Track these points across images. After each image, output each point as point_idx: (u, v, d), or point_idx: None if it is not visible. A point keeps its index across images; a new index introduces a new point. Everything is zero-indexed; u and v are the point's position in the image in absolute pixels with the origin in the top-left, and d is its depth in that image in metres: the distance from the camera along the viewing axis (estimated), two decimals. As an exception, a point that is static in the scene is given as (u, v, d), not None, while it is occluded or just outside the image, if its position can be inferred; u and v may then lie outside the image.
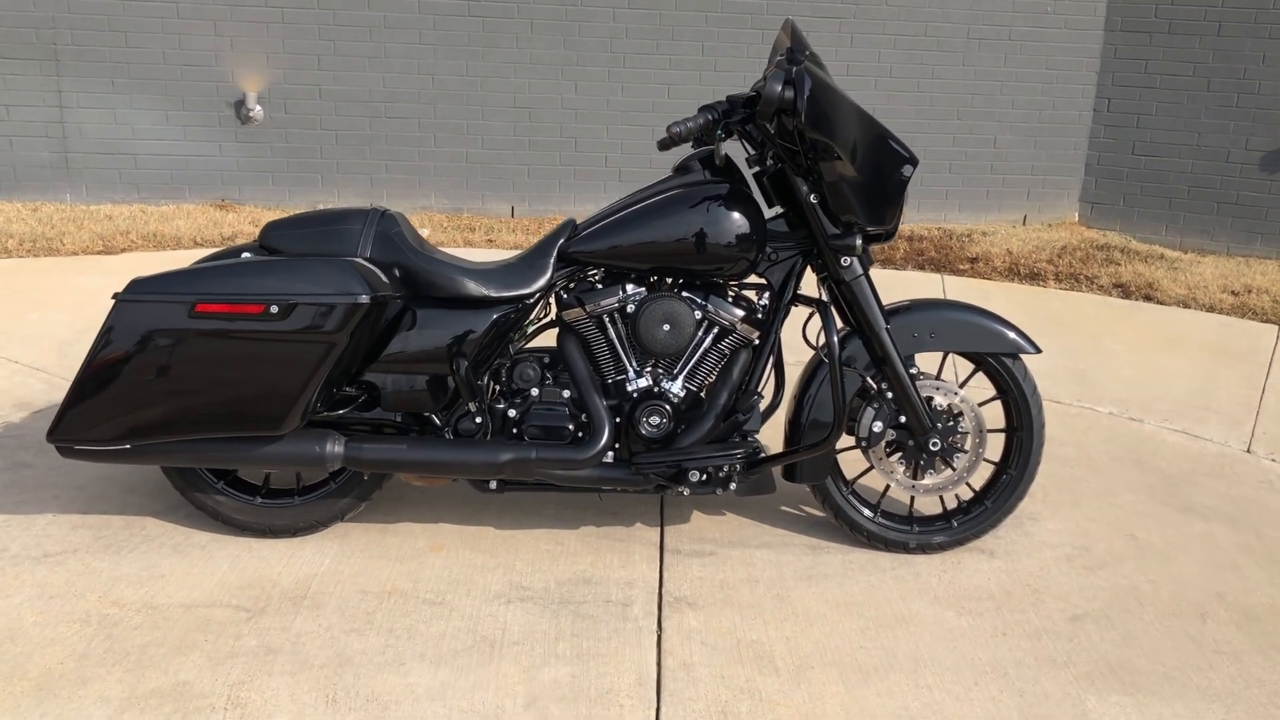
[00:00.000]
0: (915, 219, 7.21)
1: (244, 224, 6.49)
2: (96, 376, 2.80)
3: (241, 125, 6.79)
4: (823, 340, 3.05)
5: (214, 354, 2.80)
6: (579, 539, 3.32)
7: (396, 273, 3.03)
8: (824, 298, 3.18)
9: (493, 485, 3.15)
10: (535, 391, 3.18)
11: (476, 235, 6.68)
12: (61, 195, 6.74)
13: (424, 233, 6.73)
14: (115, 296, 2.79)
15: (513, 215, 7.28)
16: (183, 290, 2.78)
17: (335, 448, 3.00)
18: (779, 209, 3.20)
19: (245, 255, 3.05)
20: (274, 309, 2.77)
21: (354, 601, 2.92)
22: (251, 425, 2.87)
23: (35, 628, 2.73)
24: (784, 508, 3.59)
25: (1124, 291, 5.82)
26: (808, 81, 2.81)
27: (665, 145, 3.01)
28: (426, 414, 3.12)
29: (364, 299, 2.80)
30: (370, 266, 2.95)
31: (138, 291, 2.79)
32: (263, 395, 2.84)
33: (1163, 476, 4.03)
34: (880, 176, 2.94)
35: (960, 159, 7.25)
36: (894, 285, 5.65)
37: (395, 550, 3.21)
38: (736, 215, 3.03)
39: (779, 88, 2.81)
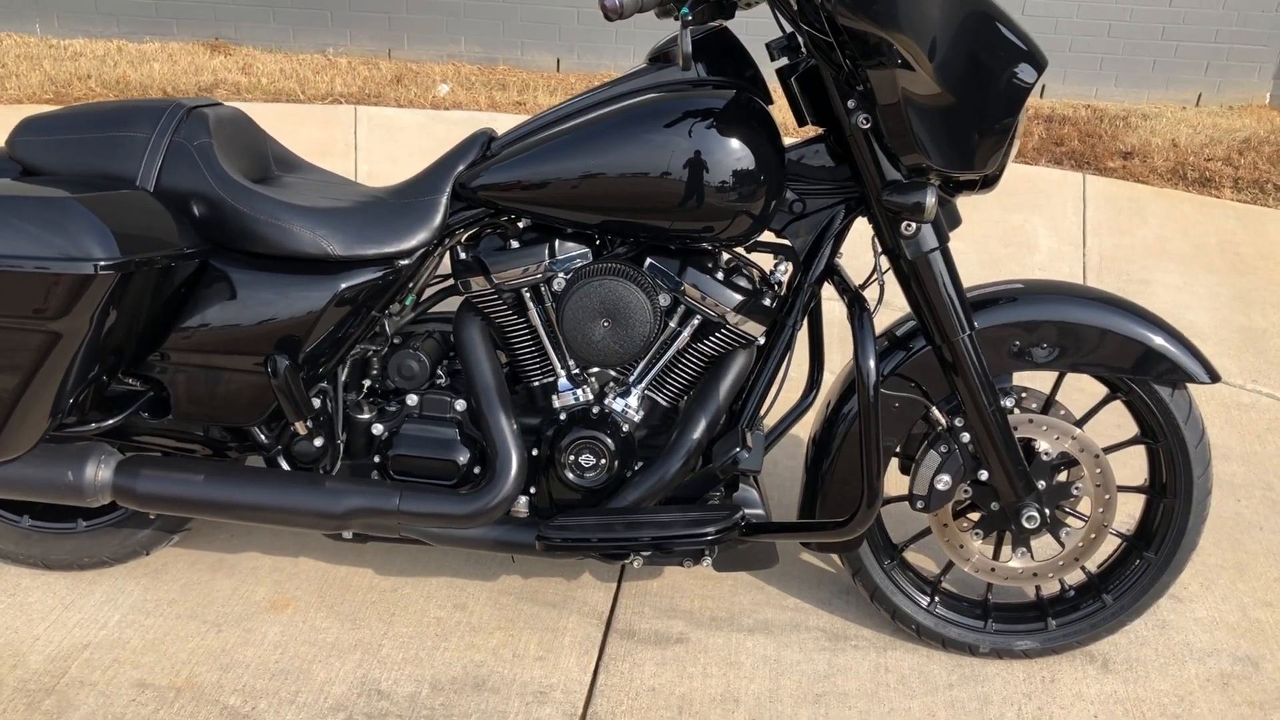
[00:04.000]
0: (1058, 93, 5.73)
1: (233, 71, 5.42)
2: None
3: (237, -52, 5.65)
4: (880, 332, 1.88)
5: None
6: (490, 600, 2.29)
7: (196, 210, 1.94)
8: (877, 274, 1.99)
9: (348, 535, 2.11)
10: (414, 399, 2.10)
11: (505, 95, 5.48)
12: (29, 25, 5.75)
13: (443, 89, 5.58)
14: None
15: (558, 69, 6.05)
16: None
17: (99, 473, 1.99)
18: (816, 127, 1.99)
19: (-28, 172, 1.99)
20: (-48, 276, 1.72)
21: (120, 704, 1.96)
22: (-53, 447, 1.87)
23: None
24: (803, 556, 2.48)
25: (1328, 215, 4.37)
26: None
27: (610, 17, 1.79)
28: (244, 427, 2.07)
29: (101, 267, 1.73)
30: (147, 204, 1.87)
31: None
32: (-46, 406, 1.83)
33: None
34: (977, 90, 1.70)
35: (1123, 18, 5.66)
36: (1013, 187, 4.33)
37: (219, 604, 2.23)
38: (737, 143, 1.84)
39: None
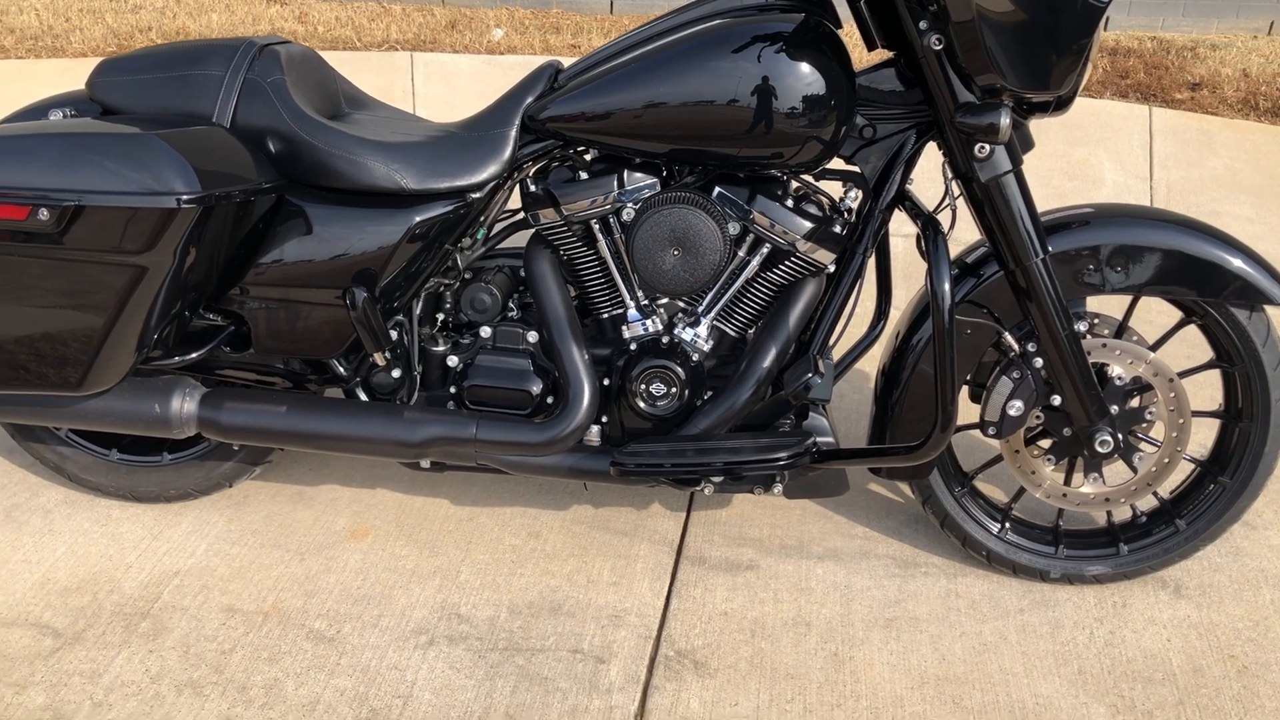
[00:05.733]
0: (1123, 25, 5.60)
1: (289, 20, 5.46)
2: None
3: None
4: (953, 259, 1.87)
5: (-35, 276, 1.84)
6: (564, 528, 2.33)
7: (271, 147, 1.97)
8: (948, 200, 1.98)
9: (425, 465, 2.15)
10: (488, 331, 2.13)
11: (559, 39, 5.46)
12: (89, -21, 5.81)
13: (497, 34, 5.57)
14: None
15: (611, 11, 6.01)
16: (-82, 175, 1.79)
17: (185, 405, 2.05)
18: (886, 51, 1.97)
19: (54, 114, 2.04)
20: (43, 213, 1.77)
21: (211, 628, 2.03)
22: (44, 381, 1.93)
23: None
24: (870, 485, 2.49)
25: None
26: None
27: None
28: (324, 360, 2.11)
29: (183, 202, 1.77)
30: (224, 141, 1.90)
31: None
32: (50, 341, 1.88)
33: None
34: (1051, 8, 1.68)
35: (1189, -53, 5.51)
36: (1078, 121, 4.25)
37: (302, 533, 2.29)
38: (807, 67, 1.83)
39: None
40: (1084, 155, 4.29)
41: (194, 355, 2.04)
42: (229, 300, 2.04)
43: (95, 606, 2.07)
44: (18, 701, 1.85)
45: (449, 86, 5.01)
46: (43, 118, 2.02)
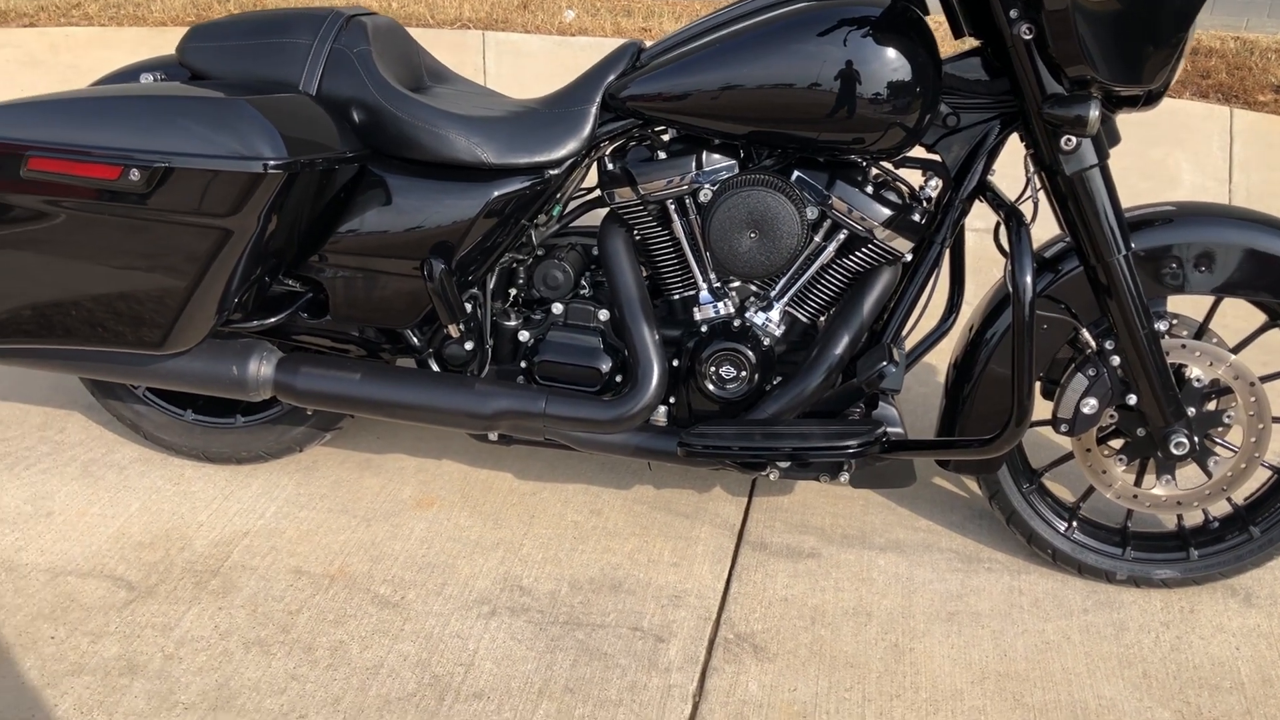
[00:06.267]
0: (1205, 24, 5.47)
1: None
2: (-84, 250, 1.94)
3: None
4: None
5: (59, 232, 1.88)
6: (625, 508, 2.34)
7: (355, 116, 1.99)
8: (1029, 192, 1.96)
9: (493, 437, 2.17)
10: (559, 308, 2.14)
11: (631, 21, 5.46)
12: (172, -52, 5.89)
13: (569, 15, 5.57)
14: (-66, 134, 1.89)
15: (685, -7, 5.98)
16: (13, 134, 1.84)
17: (262, 369, 2.08)
18: (972, 39, 1.95)
19: (145, 78, 2.08)
20: (134, 174, 1.80)
21: (279, 588, 2.07)
22: (125, 340, 1.97)
23: None
24: (934, 479, 2.47)
25: None
26: None
27: None
28: (398, 330, 2.14)
29: (270, 167, 1.79)
30: (310, 109, 1.93)
31: (-37, 129, 1.87)
32: (134, 301, 1.92)
33: None
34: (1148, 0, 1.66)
35: (1278, -55, 5.37)
36: (1155, 120, 4.15)
37: (369, 500, 2.33)
38: (893, 52, 1.81)
39: None
40: (1161, 155, 4.21)
41: (272, 320, 2.08)
42: (308, 267, 2.07)
43: (167, 562, 2.12)
44: (93, 650, 1.90)
45: (519, 67, 5.03)
46: (134, 81, 2.06)
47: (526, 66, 5.00)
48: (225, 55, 2.04)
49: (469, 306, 2.11)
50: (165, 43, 5.08)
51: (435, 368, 2.16)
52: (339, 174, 1.97)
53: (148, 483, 2.34)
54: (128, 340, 1.95)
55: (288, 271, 2.07)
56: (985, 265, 2.78)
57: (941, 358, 2.42)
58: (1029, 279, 1.75)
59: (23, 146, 1.82)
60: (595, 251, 2.20)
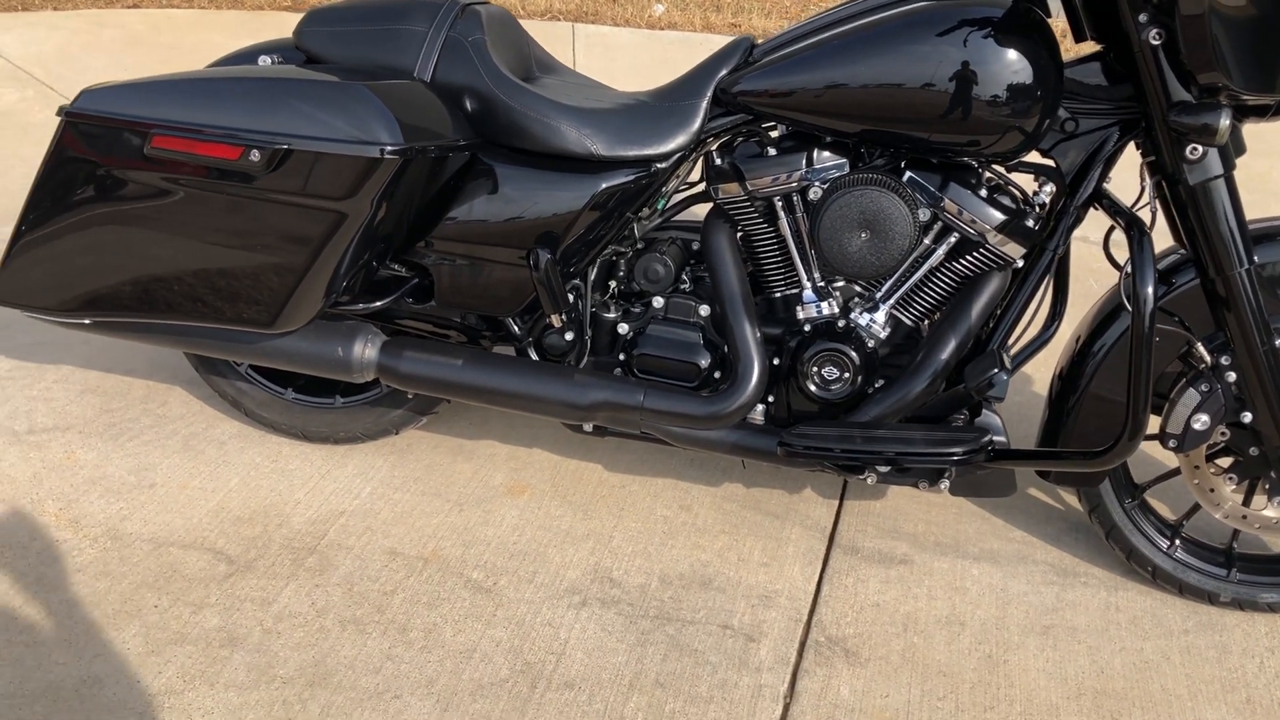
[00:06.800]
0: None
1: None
2: (39, 222, 1.99)
3: None
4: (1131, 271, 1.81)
5: (177, 210, 1.91)
6: (715, 505, 2.33)
7: (468, 105, 2.01)
8: (1147, 201, 1.91)
9: (588, 428, 2.18)
10: (660, 302, 2.14)
11: (720, 17, 5.45)
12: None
13: (658, 9, 5.57)
14: (62, 111, 1.94)
15: (773, -8, 5.96)
16: (139, 112, 1.88)
17: (366, 351, 2.10)
18: (1093, 43, 1.91)
19: (264, 60, 2.11)
20: (254, 155, 1.83)
21: (374, 569, 2.09)
22: (235, 317, 2.00)
23: (-37, 548, 2.08)
24: (1030, 490, 2.43)
25: None
26: None
27: None
28: (500, 318, 2.15)
29: (387, 152, 1.81)
30: (424, 96, 1.95)
31: (90, 106, 1.91)
32: (246, 279, 1.95)
33: None
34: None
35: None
36: (1258, 132, 4.04)
37: (461, 485, 2.35)
38: (1014, 54, 1.78)
39: None
40: (1264, 168, 4.10)
41: (378, 304, 2.10)
42: (415, 252, 2.09)
43: (265, 538, 2.15)
44: (194, 620, 1.94)
45: (609, 59, 5.04)
46: (252, 63, 2.10)
47: (616, 59, 5.01)
48: (341, 39, 2.07)
49: (570, 297, 2.12)
50: (262, 26, 5.17)
51: (534, 356, 2.17)
52: (450, 161, 1.98)
53: (246, 459, 2.38)
54: (239, 318, 1.99)
55: (394, 256, 2.10)
56: (1079, 272, 2.73)
57: (1034, 366, 2.39)
58: (1150, 290, 1.71)
59: (147, 125, 1.86)
60: (696, 246, 2.20)
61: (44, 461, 2.33)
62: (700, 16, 5.43)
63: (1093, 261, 2.28)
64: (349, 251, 1.92)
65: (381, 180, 1.84)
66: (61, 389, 2.57)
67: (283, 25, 5.19)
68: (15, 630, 1.89)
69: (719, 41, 5.26)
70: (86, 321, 2.08)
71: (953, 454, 1.90)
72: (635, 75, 4.49)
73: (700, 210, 2.16)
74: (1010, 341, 2.03)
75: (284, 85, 1.86)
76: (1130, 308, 1.78)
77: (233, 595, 2.00)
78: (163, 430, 2.45)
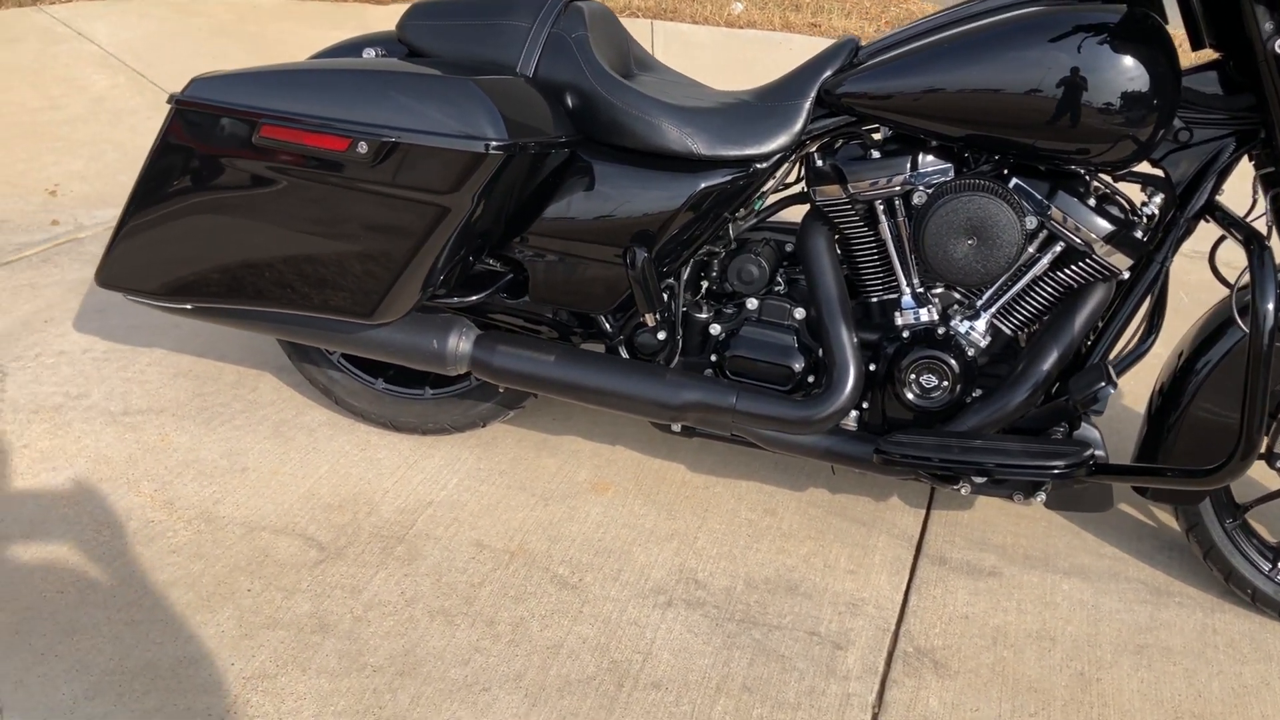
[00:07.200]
0: None
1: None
2: (145, 209, 2.02)
3: None
4: (1244, 286, 1.76)
5: (281, 199, 1.93)
6: (800, 510, 2.31)
7: (569, 102, 2.01)
8: (1263, 214, 1.86)
9: (675, 428, 2.17)
10: (754, 304, 2.12)
11: (799, 16, 5.41)
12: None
13: (737, 8, 5.55)
14: (172, 99, 1.97)
15: (852, -8, 5.91)
16: (248, 101, 1.90)
17: (461, 344, 2.11)
18: (1211, 51, 1.86)
19: (368, 53, 2.13)
20: (362, 147, 1.85)
21: (461, 561, 2.10)
22: (335, 307, 2.02)
23: (55, 528, 2.12)
24: (1121, 505, 2.38)
25: None
26: None
27: None
28: (592, 315, 2.15)
29: (492, 148, 1.82)
30: (527, 92, 1.95)
31: (199, 94, 1.94)
32: (347, 270, 1.97)
33: None
34: None
35: None
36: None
37: (546, 479, 2.35)
38: (1130, 61, 1.74)
39: None
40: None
41: (473, 298, 2.11)
42: (511, 248, 2.10)
43: (355, 525, 2.17)
44: (286, 605, 1.96)
45: (688, 56, 5.03)
46: (357, 55, 2.12)
47: (695, 56, 4.99)
48: (445, 34, 2.08)
49: (664, 296, 2.12)
50: (345, 16, 5.23)
51: (624, 355, 2.16)
52: (550, 158, 1.98)
53: (335, 446, 2.40)
54: (339, 307, 2.00)
55: (491, 251, 2.10)
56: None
57: (1124, 379, 2.34)
58: (1270, 307, 1.66)
59: (256, 114, 1.88)
60: (789, 248, 2.18)
61: (139, 443, 2.37)
62: (779, 15, 5.39)
63: (1181, 275, 2.23)
64: (448, 245, 1.93)
65: (485, 176, 1.84)
66: (155, 372, 2.62)
67: (362, 15, 5.25)
68: (115, 608, 1.93)
69: (798, 41, 5.23)
70: (188, 307, 2.11)
71: (1053, 467, 1.86)
72: (715, 73, 4.48)
73: (791, 212, 2.15)
74: (1111, 354, 1.99)
75: (392, 78, 1.87)
76: (1244, 324, 1.73)
77: (323, 582, 2.03)
78: (254, 415, 2.49)
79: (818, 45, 5.17)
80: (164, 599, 1.96)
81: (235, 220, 1.98)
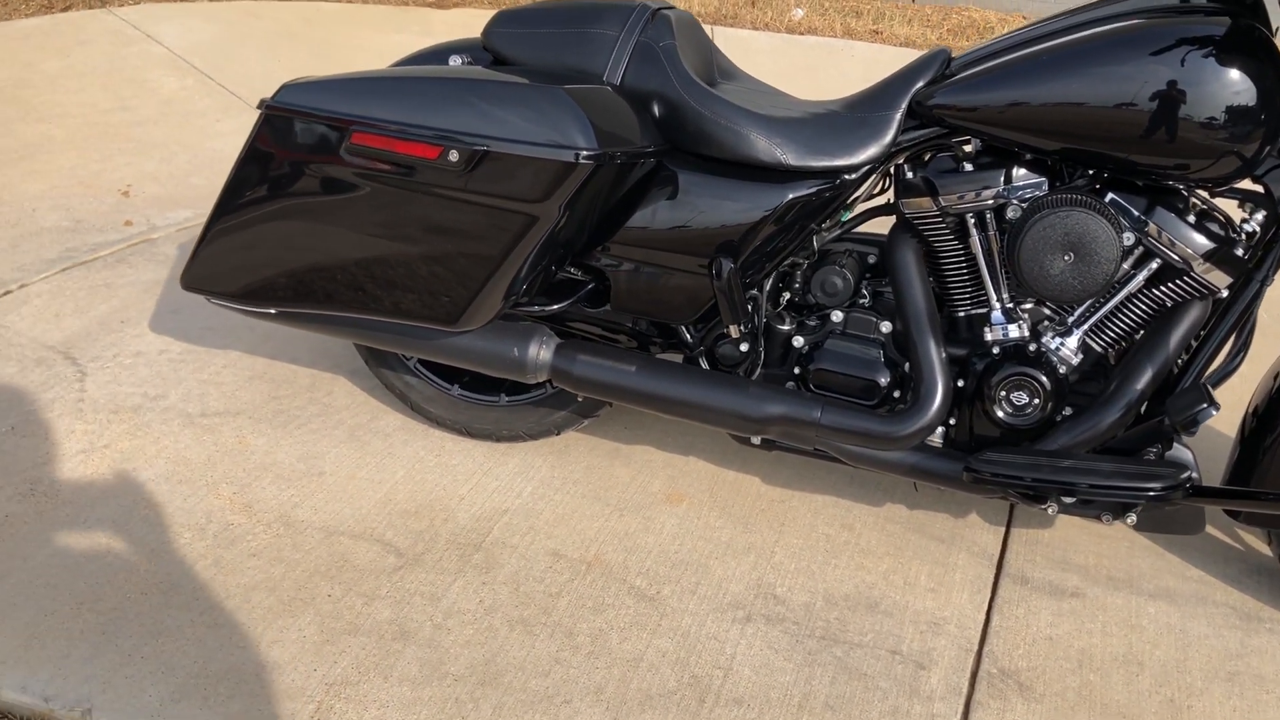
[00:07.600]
0: None
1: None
2: (232, 213, 2.03)
3: None
4: None
5: (369, 205, 1.94)
6: (878, 526, 2.28)
7: (656, 110, 2.00)
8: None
9: (755, 441, 2.15)
10: (839, 316, 2.10)
11: (860, 23, 5.37)
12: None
13: (798, 14, 5.52)
14: (262, 104, 1.98)
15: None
16: (340, 108, 1.91)
17: (541, 353, 2.11)
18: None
19: (454, 60, 2.13)
20: (453, 155, 1.85)
21: (538, 570, 2.10)
22: (419, 313, 2.02)
23: (138, 529, 2.13)
24: (1208, 528, 2.33)
25: None
26: None
27: None
28: (674, 325, 2.13)
29: (583, 158, 1.81)
30: (615, 101, 1.94)
31: (290, 100, 1.95)
32: (432, 277, 1.97)
33: None
34: None
35: None
36: None
37: (620, 489, 2.34)
38: (1235, 74, 1.71)
39: None
40: None
41: (555, 307, 2.11)
42: (593, 257, 2.09)
43: (432, 532, 2.17)
44: (367, 611, 1.97)
45: (748, 63, 4.96)
46: (442, 63, 2.12)
47: (755, 62, 4.95)
48: (531, 42, 2.07)
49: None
50: (409, 20, 5.26)
51: (704, 365, 2.15)
52: (637, 168, 1.97)
53: (411, 452, 2.41)
54: (423, 314, 2.00)
55: (573, 260, 2.10)
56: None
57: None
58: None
59: (347, 121, 1.89)
60: (873, 260, 2.16)
61: (217, 445, 2.38)
62: (840, 22, 5.36)
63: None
64: (533, 254, 1.92)
65: (573, 185, 1.83)
66: (230, 374, 2.63)
67: (427, 20, 5.28)
68: (198, 611, 1.94)
69: (860, 48, 5.18)
70: (272, 311, 2.12)
71: (1149, 489, 1.82)
72: (778, 79, 4.45)
73: (873, 223, 2.12)
74: (1209, 371, 1.95)
75: (482, 87, 1.87)
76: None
77: (403, 588, 2.03)
78: (329, 420, 2.50)
79: (880, 52, 5.13)
80: (245, 603, 1.97)
81: (321, 226, 1.99)
